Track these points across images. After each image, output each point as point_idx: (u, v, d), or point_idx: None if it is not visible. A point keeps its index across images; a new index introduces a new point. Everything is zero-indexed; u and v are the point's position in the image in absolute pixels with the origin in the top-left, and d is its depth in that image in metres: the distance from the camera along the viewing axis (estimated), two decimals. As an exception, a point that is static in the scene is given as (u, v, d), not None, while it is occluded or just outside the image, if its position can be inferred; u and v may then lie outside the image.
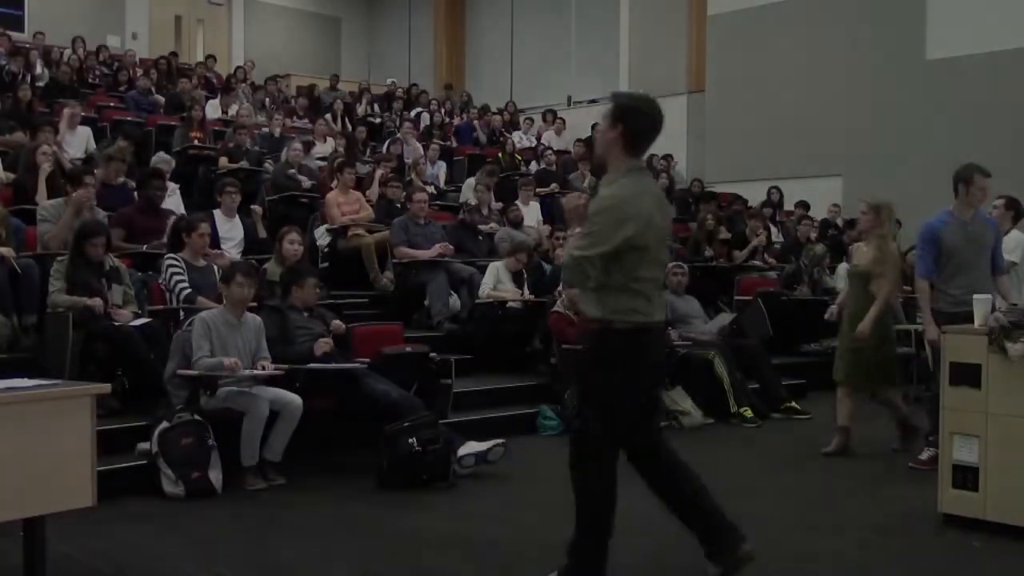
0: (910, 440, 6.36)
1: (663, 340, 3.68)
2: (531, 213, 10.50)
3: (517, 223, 9.82)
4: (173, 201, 8.28)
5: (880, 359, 6.26)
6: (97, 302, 5.82)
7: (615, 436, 3.51)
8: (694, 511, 3.63)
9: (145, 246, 6.98)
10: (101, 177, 7.68)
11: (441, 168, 12.42)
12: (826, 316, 6.94)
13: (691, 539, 4.46)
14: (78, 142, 9.57)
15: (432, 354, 6.31)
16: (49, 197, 7.15)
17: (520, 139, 15.19)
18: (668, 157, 14.60)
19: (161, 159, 9.58)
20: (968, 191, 5.66)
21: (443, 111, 16.08)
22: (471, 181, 11.13)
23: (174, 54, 15.54)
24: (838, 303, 6.83)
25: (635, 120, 3.42)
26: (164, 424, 5.17)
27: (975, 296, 4.79)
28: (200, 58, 16.48)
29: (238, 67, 15.47)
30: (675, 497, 3.65)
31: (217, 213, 7.85)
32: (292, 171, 9.69)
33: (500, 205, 10.57)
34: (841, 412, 6.42)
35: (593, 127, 15.72)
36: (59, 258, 6.07)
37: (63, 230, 6.51)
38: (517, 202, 10.37)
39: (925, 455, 5.80)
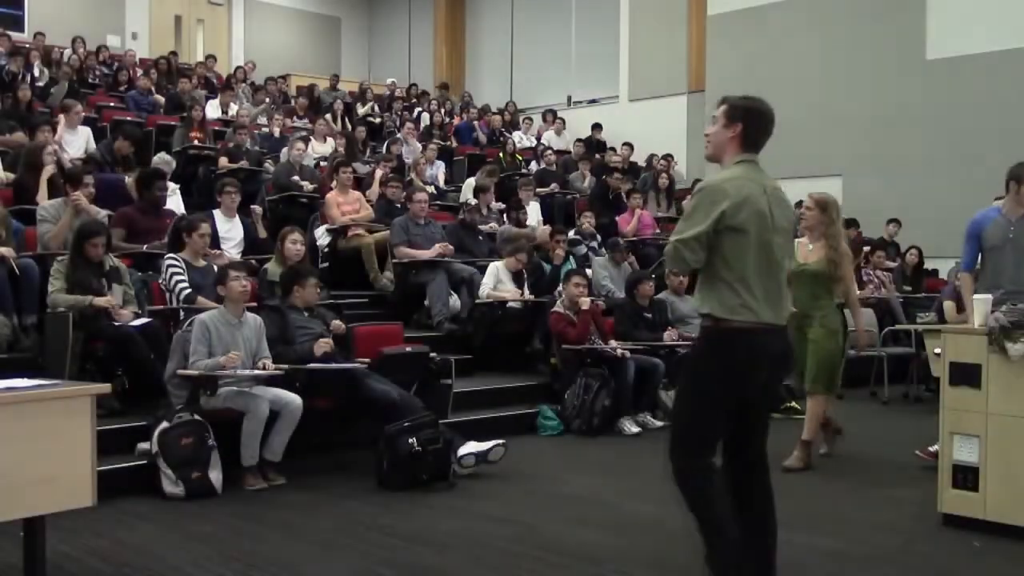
0: (832, 441, 6.37)
1: (779, 344, 3.42)
2: (531, 213, 10.50)
3: (520, 225, 9.82)
4: (173, 201, 8.29)
5: (838, 361, 6.04)
6: (109, 301, 5.83)
7: (706, 436, 3.40)
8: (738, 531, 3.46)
9: (145, 246, 6.98)
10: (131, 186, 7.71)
11: (440, 168, 12.42)
12: None
13: (690, 539, 4.47)
14: (78, 142, 9.57)
15: (432, 354, 6.32)
16: (49, 197, 7.15)
17: (520, 139, 15.20)
18: (668, 157, 14.60)
19: (162, 159, 9.58)
20: (1019, 190, 5.47)
21: (443, 111, 16.09)
22: (471, 181, 11.14)
23: (174, 54, 15.53)
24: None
25: (753, 120, 3.43)
26: (164, 424, 5.17)
27: (975, 296, 4.79)
28: (200, 58, 16.47)
29: (238, 67, 15.46)
30: (738, 507, 3.48)
31: (217, 213, 7.85)
32: (295, 177, 9.68)
33: (501, 206, 10.59)
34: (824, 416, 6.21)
35: (594, 127, 15.82)
36: (59, 258, 6.07)
37: (63, 230, 6.51)
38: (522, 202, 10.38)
39: (934, 447, 5.75)
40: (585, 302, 7.50)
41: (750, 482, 3.51)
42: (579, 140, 15.02)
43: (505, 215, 10.27)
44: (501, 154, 13.34)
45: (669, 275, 8.34)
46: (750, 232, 3.26)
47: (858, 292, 6.11)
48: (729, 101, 3.49)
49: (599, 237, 10.28)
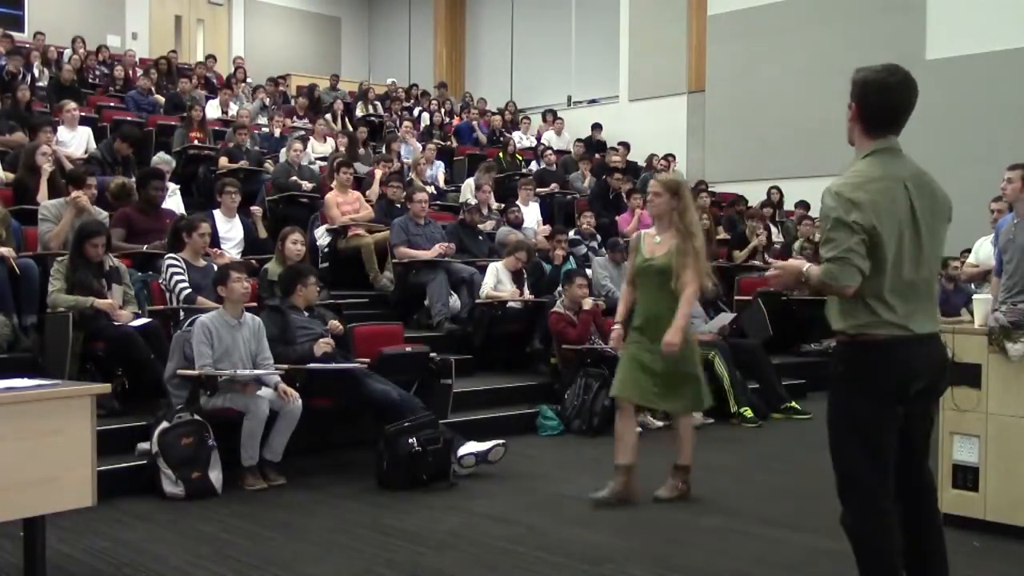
0: (680, 480, 5.13)
1: (932, 354, 3.02)
2: (531, 213, 10.50)
3: (518, 224, 9.83)
4: (173, 201, 8.29)
5: (686, 373, 5.01)
6: (111, 304, 5.83)
7: (873, 471, 2.97)
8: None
9: (145, 246, 6.98)
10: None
11: (440, 168, 12.42)
12: (612, 332, 5.18)
13: (691, 539, 4.47)
14: (78, 142, 9.57)
15: (432, 354, 6.32)
16: (49, 197, 7.15)
17: (520, 139, 15.20)
18: (669, 157, 14.61)
19: (161, 159, 9.58)
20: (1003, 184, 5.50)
21: (442, 111, 16.10)
22: (470, 181, 11.15)
23: (173, 52, 15.54)
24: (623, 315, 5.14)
25: (870, 94, 3.01)
26: (164, 424, 5.17)
27: (975, 296, 4.79)
28: (200, 58, 16.48)
29: (238, 67, 15.46)
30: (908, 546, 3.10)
31: (217, 213, 7.86)
32: (294, 178, 9.67)
33: (502, 206, 10.58)
34: (625, 443, 5.04)
35: (593, 127, 15.82)
36: (59, 258, 6.07)
37: (64, 230, 6.51)
38: (518, 202, 10.39)
39: None
40: (588, 302, 7.50)
41: (917, 515, 3.12)
42: (579, 140, 15.02)
43: (504, 215, 10.27)
44: (502, 154, 13.35)
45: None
46: (884, 243, 2.87)
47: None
48: (853, 77, 3.06)
49: (599, 237, 10.28)
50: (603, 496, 4.98)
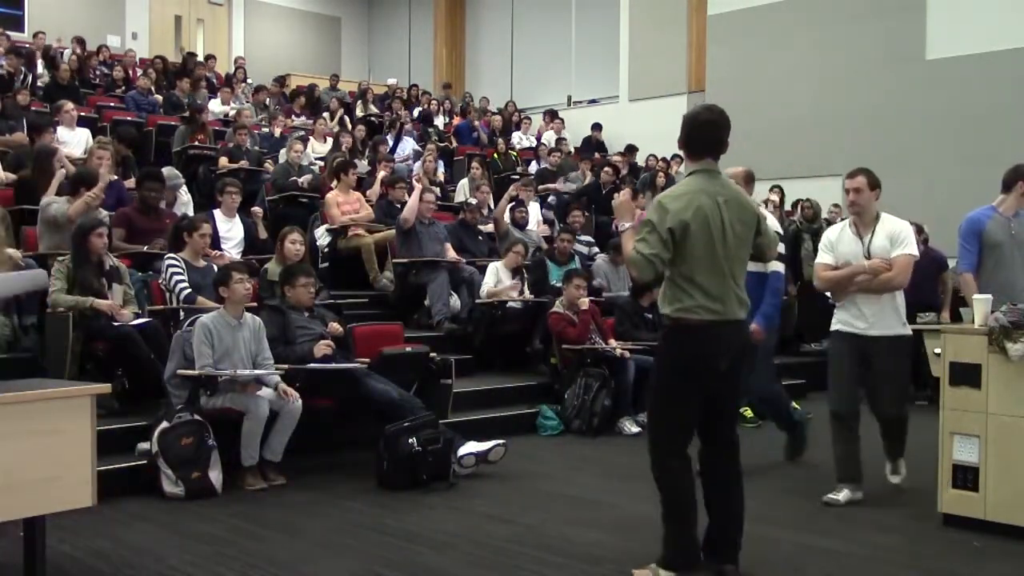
0: None
1: (735, 336, 3.70)
2: (531, 213, 10.48)
3: (522, 225, 9.81)
4: (183, 206, 8.29)
5: None
6: (111, 305, 5.82)
7: (675, 429, 3.72)
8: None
9: (145, 246, 6.97)
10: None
11: (440, 168, 12.41)
12: None
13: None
14: (77, 142, 9.55)
15: (432, 354, 6.32)
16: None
17: (520, 139, 15.19)
18: (676, 158, 14.59)
19: (171, 174, 9.34)
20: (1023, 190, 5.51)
21: (441, 110, 16.09)
22: (465, 182, 11.15)
23: (192, 55, 15.55)
24: None
25: (688, 127, 3.70)
26: (164, 424, 5.17)
27: (975, 296, 4.79)
28: (200, 58, 16.47)
29: (238, 67, 15.46)
30: (707, 487, 3.85)
31: (217, 213, 7.86)
32: (294, 179, 9.65)
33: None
34: None
35: (593, 126, 15.82)
36: (60, 258, 6.06)
37: (77, 211, 6.46)
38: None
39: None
40: (584, 302, 7.50)
41: (718, 466, 3.83)
42: (564, 139, 14.98)
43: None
44: (496, 154, 13.34)
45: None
46: (697, 244, 3.56)
47: None
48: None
49: (585, 237, 10.19)
50: None
